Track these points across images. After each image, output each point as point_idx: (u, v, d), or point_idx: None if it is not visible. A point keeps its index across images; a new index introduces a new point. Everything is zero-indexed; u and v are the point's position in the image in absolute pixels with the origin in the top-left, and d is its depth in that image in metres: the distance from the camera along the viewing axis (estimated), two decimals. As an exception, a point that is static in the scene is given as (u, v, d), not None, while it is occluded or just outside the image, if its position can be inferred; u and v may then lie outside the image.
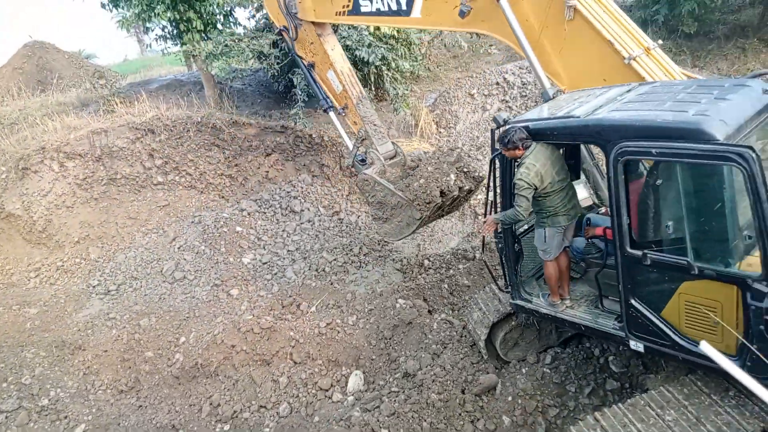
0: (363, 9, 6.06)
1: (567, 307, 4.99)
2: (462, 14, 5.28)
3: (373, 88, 9.98)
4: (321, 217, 10.09)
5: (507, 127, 4.62)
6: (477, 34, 13.13)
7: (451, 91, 12.30)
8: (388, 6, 5.80)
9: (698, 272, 3.68)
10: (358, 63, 9.74)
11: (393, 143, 7.52)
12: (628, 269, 4.11)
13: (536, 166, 4.41)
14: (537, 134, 4.47)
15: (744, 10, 12.94)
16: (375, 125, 7.39)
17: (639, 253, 3.95)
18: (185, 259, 9.22)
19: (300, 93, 9.34)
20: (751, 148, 3.23)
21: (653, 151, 3.65)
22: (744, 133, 3.52)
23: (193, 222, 10.03)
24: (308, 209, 10.28)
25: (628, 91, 4.43)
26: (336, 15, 6.45)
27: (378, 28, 9.45)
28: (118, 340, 7.87)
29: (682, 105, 3.77)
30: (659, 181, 3.96)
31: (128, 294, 8.83)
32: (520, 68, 11.91)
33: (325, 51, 7.10)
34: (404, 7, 5.68)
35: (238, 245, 9.46)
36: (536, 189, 4.48)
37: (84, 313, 8.57)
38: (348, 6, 6.23)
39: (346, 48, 9.28)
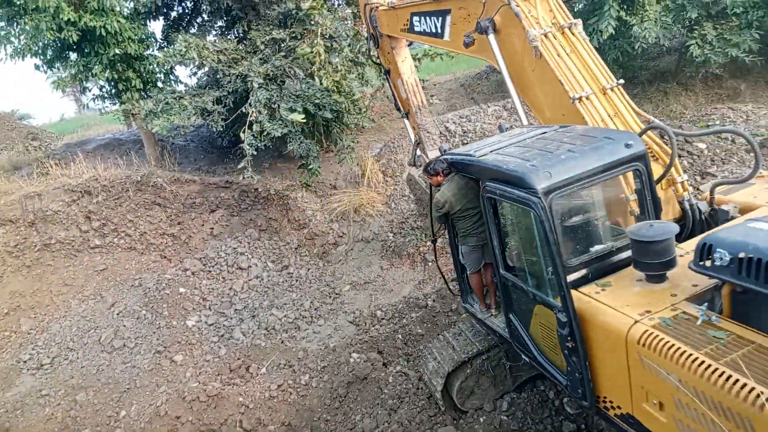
0: (416, 28, 6.78)
1: (491, 315, 5.49)
2: (465, 44, 5.74)
3: (323, 141, 10.03)
4: (269, 272, 9.85)
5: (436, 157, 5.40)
6: (417, 85, 13.50)
7: (395, 140, 12.49)
8: (431, 28, 6.45)
9: (533, 298, 4.25)
10: (308, 115, 9.77)
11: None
12: (504, 289, 4.69)
13: (447, 193, 5.08)
14: (452, 166, 5.17)
15: (662, 57, 13.90)
16: (428, 133, 8.02)
17: (507, 275, 4.55)
18: (125, 326, 8.73)
19: (248, 147, 9.25)
20: (541, 195, 3.77)
21: (497, 192, 4.25)
22: (575, 185, 3.92)
23: (132, 285, 9.57)
24: (256, 265, 10.02)
25: (541, 133, 4.68)
26: (400, 31, 7.19)
27: (321, 82, 9.59)
28: (52, 419, 7.27)
29: (534, 154, 4.20)
30: (507, 218, 4.59)
31: (63, 367, 8.24)
32: (460, 117, 12.26)
33: (396, 62, 7.80)
34: (439, 31, 6.29)
35: (182, 307, 9.06)
36: (448, 212, 5.17)
37: (13, 391, 7.91)
38: (407, 24, 6.94)
39: (297, 97, 9.37)
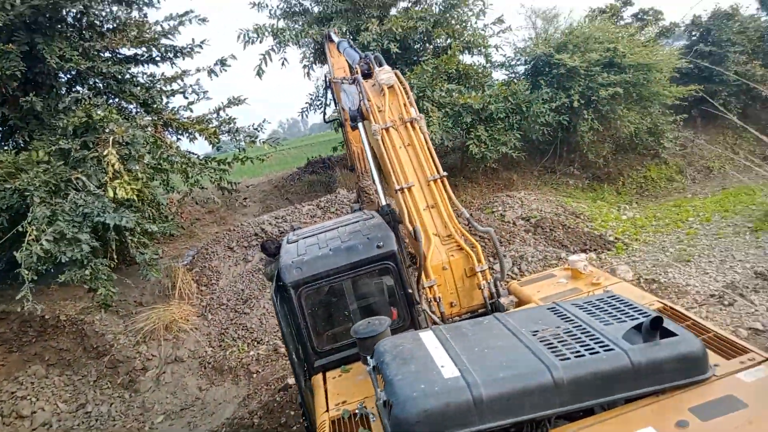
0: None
1: None
2: (353, 128, 6.10)
3: (115, 258, 9.08)
4: (61, 416, 8.33)
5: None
6: (229, 190, 13.33)
7: (209, 246, 11.96)
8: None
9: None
10: (99, 230, 8.84)
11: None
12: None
13: None
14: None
15: (449, 155, 15.76)
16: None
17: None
18: None
19: (27, 272, 7.98)
20: (290, 288, 4.34)
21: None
22: (324, 280, 4.51)
23: None
24: (42, 409, 8.41)
25: (335, 227, 5.28)
26: None
27: (115, 192, 8.84)
28: None
29: (308, 247, 4.78)
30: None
31: None
32: (276, 218, 12.27)
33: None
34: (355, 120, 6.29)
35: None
36: None
37: None
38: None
39: (85, 216, 8.41)
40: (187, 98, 12.85)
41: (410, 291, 4.57)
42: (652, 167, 16.30)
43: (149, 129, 10.94)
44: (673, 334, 2.78)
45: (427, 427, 2.64)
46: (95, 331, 9.50)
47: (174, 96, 12.84)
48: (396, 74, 5.95)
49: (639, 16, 18.60)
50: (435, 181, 5.41)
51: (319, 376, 4.38)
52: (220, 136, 13.04)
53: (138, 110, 12.34)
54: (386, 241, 4.54)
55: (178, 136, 12.90)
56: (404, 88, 5.80)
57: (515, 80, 15.15)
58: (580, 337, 2.93)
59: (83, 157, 9.16)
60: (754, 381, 2.74)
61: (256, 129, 13.39)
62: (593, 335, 2.92)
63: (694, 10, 18.38)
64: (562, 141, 15.62)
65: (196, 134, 12.81)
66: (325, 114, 14.22)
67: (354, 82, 6.24)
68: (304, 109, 16.64)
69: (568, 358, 2.75)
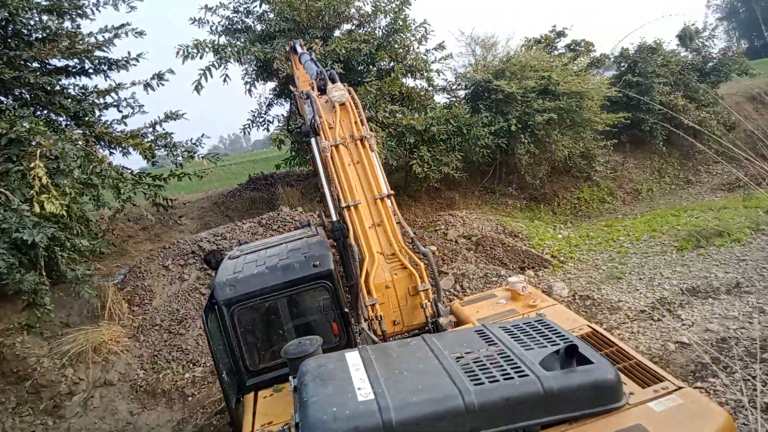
0: None
1: None
2: (306, 143, 6.22)
3: (44, 272, 8.54)
4: (-26, 446, 7.68)
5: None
6: (164, 207, 12.89)
7: (142, 265, 11.45)
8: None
9: None
10: (21, 246, 8.31)
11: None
12: None
13: None
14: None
15: (393, 174, 15.92)
16: None
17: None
18: None
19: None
20: (223, 306, 4.44)
21: None
22: (258, 298, 4.57)
23: None
24: (-47, 440, 7.74)
25: (277, 244, 5.40)
26: None
27: (43, 207, 8.36)
28: None
29: (245, 265, 4.83)
30: None
31: None
32: (214, 235, 11.93)
33: None
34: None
35: None
36: None
37: None
38: None
39: (2, 231, 7.88)
40: (121, 111, 12.41)
41: (347, 310, 4.56)
42: (585, 189, 17.07)
43: (80, 142, 10.45)
44: (589, 362, 2.86)
45: None
46: (15, 354, 8.85)
47: (107, 109, 12.35)
48: (349, 91, 5.99)
49: (571, 47, 19.60)
50: (382, 199, 5.44)
51: (251, 395, 4.34)
52: (156, 151, 12.62)
53: (68, 123, 11.78)
54: (323, 261, 4.57)
55: (111, 150, 12.37)
56: (356, 106, 5.85)
57: (456, 104, 15.57)
58: (499, 362, 3.01)
59: (6, 170, 8.63)
60: (663, 410, 2.84)
61: (194, 144, 13.05)
62: (512, 360, 2.99)
63: (622, 43, 19.56)
64: (501, 163, 16.12)
65: (130, 149, 12.33)
66: (289, 125, 14.17)
67: (308, 98, 6.23)
68: (246, 126, 16.38)
69: (483, 383, 2.80)
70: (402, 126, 13.36)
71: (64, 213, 8.56)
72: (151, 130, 12.66)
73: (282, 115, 15.79)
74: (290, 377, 3.58)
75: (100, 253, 11.20)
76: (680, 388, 2.99)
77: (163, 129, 12.68)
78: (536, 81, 14.52)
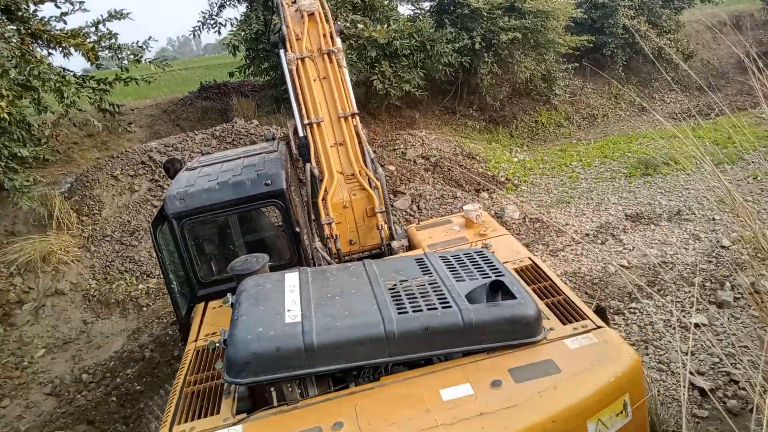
0: None
1: None
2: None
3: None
4: None
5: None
6: (111, 113, 12.24)
7: (90, 174, 11.03)
8: None
9: None
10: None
11: None
12: None
13: None
14: None
15: (354, 89, 15.50)
16: None
17: None
18: None
19: None
20: (173, 219, 4.47)
21: None
22: (207, 213, 4.62)
23: None
24: None
25: (235, 158, 5.36)
26: None
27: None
28: None
29: (196, 179, 4.83)
30: None
31: None
32: (165, 146, 11.52)
33: None
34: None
35: None
36: None
37: None
38: None
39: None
40: (59, 8, 11.34)
41: (298, 230, 4.59)
42: (543, 112, 17.18)
43: (14, 40, 9.60)
44: (513, 297, 2.99)
45: (257, 367, 2.76)
46: (-42, 263, 8.59)
47: (43, 3, 11.27)
48: (321, 1, 5.64)
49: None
50: (346, 118, 5.32)
51: (201, 305, 4.47)
52: (100, 53, 11.76)
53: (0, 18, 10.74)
54: (275, 179, 4.53)
55: (50, 51, 11.45)
56: (326, 18, 5.53)
57: (420, 17, 15.01)
58: (428, 292, 3.13)
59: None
60: (576, 348, 2.94)
61: (141, 47, 12.20)
62: (440, 291, 3.11)
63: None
64: (463, 83, 15.90)
65: (72, 49, 11.44)
66: (268, 36, 13.30)
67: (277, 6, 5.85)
68: (196, 28, 15.35)
69: (406, 312, 2.93)
70: (364, 38, 12.86)
71: (5, 116, 8.02)
72: (93, 29, 11.71)
73: (235, 18, 14.85)
74: (228, 294, 3.68)
75: (44, 160, 10.67)
76: (599, 327, 3.09)
77: (107, 29, 11.76)
78: (503, -3, 14.10)
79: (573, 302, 3.38)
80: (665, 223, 9.00)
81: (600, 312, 5.81)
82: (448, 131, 15.19)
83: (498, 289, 3.00)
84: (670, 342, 6.11)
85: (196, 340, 3.95)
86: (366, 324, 2.86)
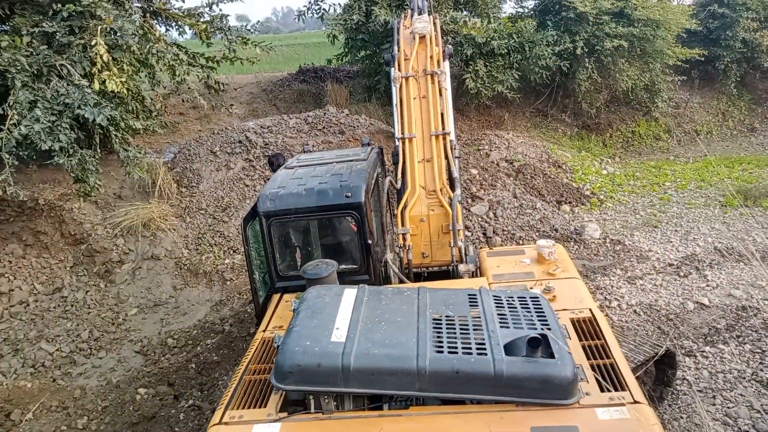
0: None
1: None
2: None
3: (98, 150, 8.98)
4: (37, 296, 8.63)
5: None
6: (216, 90, 13.01)
7: (191, 147, 11.89)
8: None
9: None
10: (80, 123, 8.66)
11: None
12: None
13: None
14: None
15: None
16: None
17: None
18: None
19: (8, 156, 7.88)
20: (263, 217, 4.92)
21: None
22: (292, 216, 4.98)
23: None
24: (20, 288, 8.69)
25: (328, 161, 5.69)
26: None
27: (104, 84, 8.60)
28: None
29: (289, 181, 5.21)
30: None
31: None
32: (261, 127, 12.15)
33: None
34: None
35: None
36: None
37: None
38: None
39: (66, 106, 8.19)
40: (178, -14, 12.17)
41: (370, 242, 4.82)
42: (642, 123, 16.37)
43: (137, 16, 10.43)
44: (552, 356, 2.96)
45: (299, 378, 3.08)
46: (73, 218, 9.61)
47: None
48: (435, 24, 5.96)
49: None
50: (438, 136, 5.56)
51: (278, 296, 4.89)
52: (210, 33, 12.51)
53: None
54: (355, 192, 4.80)
55: (168, 27, 12.35)
56: (437, 41, 5.87)
57: (522, 17, 14.68)
58: (468, 333, 3.21)
59: (68, 42, 8.79)
60: (605, 420, 2.87)
61: (249, 29, 12.91)
62: (482, 335, 3.17)
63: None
64: (558, 86, 15.45)
65: (186, 28, 12.27)
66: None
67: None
68: (302, 12, 15.89)
69: (442, 351, 3.04)
70: (461, 36, 12.81)
71: (125, 91, 8.80)
72: (207, 9, 12.47)
73: (339, 4, 15.22)
74: (293, 300, 4.00)
75: (153, 131, 11.58)
76: (637, 402, 3.00)
77: (219, 10, 12.48)
78: (612, 2, 13.47)
79: (619, 369, 3.29)
80: (757, 263, 8.47)
81: (669, 356, 5.68)
82: (536, 135, 14.88)
83: (537, 346, 3.00)
84: (741, 395, 5.87)
85: (264, 330, 4.31)
86: (401, 357, 3.03)
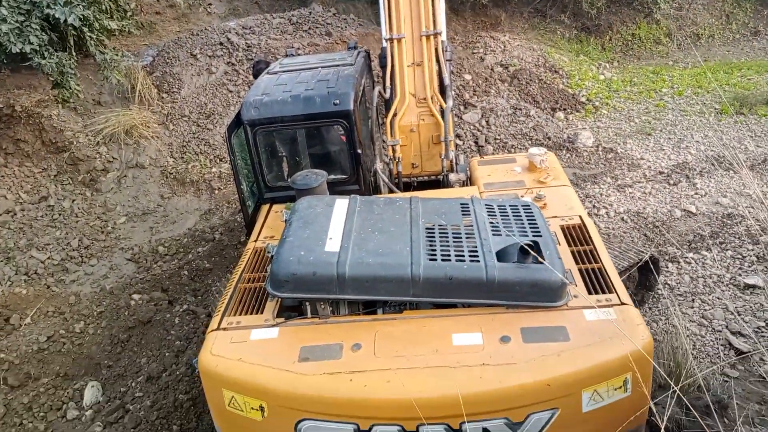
0: None
1: None
2: None
3: (74, 53, 8.50)
4: (24, 205, 8.54)
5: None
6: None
7: (170, 50, 11.31)
8: None
9: None
10: (51, 24, 8.11)
11: None
12: None
13: None
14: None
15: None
16: None
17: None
18: None
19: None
20: (247, 126, 4.76)
21: None
22: (278, 124, 4.84)
23: None
24: (5, 197, 8.57)
25: (313, 66, 5.46)
26: None
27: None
28: None
29: (273, 87, 5.00)
30: None
31: None
32: (243, 28, 11.54)
33: None
34: None
35: None
36: None
37: None
38: None
39: (34, 5, 7.63)
40: None
41: (360, 151, 4.71)
42: (643, 25, 15.68)
43: None
44: (543, 260, 3.01)
45: (294, 286, 3.13)
46: (53, 126, 9.30)
47: None
48: None
49: None
50: (428, 36, 5.21)
51: (267, 206, 4.83)
52: None
53: None
54: (344, 99, 4.59)
55: None
56: None
57: None
58: (461, 241, 3.24)
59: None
60: (592, 320, 2.96)
61: None
62: (474, 242, 3.21)
63: None
64: (558, -17, 14.61)
65: None
66: None
67: None
68: None
69: (435, 259, 3.08)
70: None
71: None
72: None
73: None
74: (284, 210, 3.93)
75: (129, 32, 10.95)
76: (623, 304, 3.08)
77: None
78: None
79: (607, 272, 3.38)
80: (746, 171, 8.46)
81: (653, 262, 5.79)
82: (533, 37, 14.25)
83: (528, 253, 3.05)
84: (719, 299, 6.07)
85: (256, 240, 4.31)
86: (395, 264, 3.08)
